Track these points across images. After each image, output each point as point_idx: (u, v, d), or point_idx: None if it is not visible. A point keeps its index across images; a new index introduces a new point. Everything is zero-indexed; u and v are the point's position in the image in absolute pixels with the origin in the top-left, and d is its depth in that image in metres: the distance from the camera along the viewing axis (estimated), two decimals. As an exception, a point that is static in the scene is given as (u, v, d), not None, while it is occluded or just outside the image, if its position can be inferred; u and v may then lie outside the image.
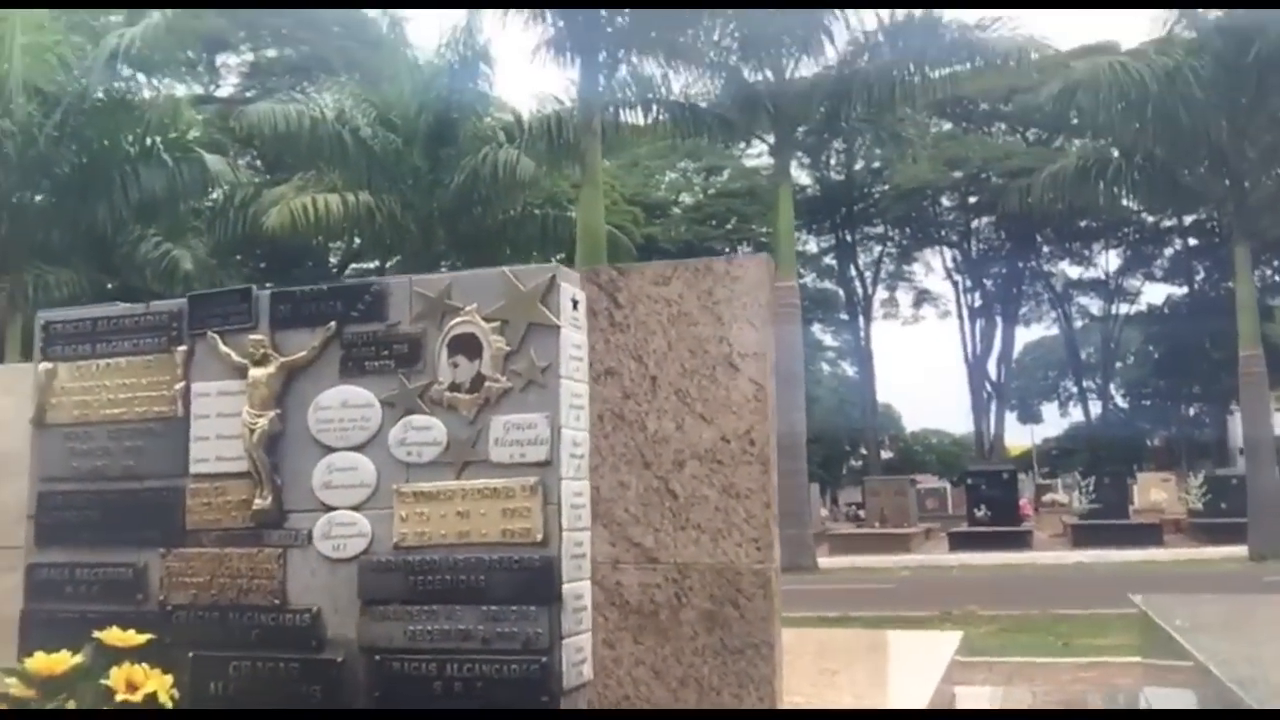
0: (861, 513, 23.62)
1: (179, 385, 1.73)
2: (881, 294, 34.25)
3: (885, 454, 37.97)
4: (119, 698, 1.45)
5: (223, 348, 1.70)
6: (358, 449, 1.61)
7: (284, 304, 1.69)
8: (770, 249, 18.37)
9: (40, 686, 1.46)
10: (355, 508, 1.60)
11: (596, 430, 2.62)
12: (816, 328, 36.01)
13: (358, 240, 22.24)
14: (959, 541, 17.21)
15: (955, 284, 31.57)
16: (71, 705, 1.43)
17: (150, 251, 18.35)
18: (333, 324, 1.65)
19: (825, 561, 16.24)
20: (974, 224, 29.27)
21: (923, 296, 33.72)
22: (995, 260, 30.12)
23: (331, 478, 1.62)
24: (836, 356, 39.48)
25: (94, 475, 1.78)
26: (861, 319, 33.82)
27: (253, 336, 1.68)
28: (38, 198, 17.60)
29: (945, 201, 28.71)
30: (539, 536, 1.50)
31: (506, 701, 1.49)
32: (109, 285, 19.92)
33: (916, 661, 4.93)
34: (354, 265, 29.79)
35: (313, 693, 1.60)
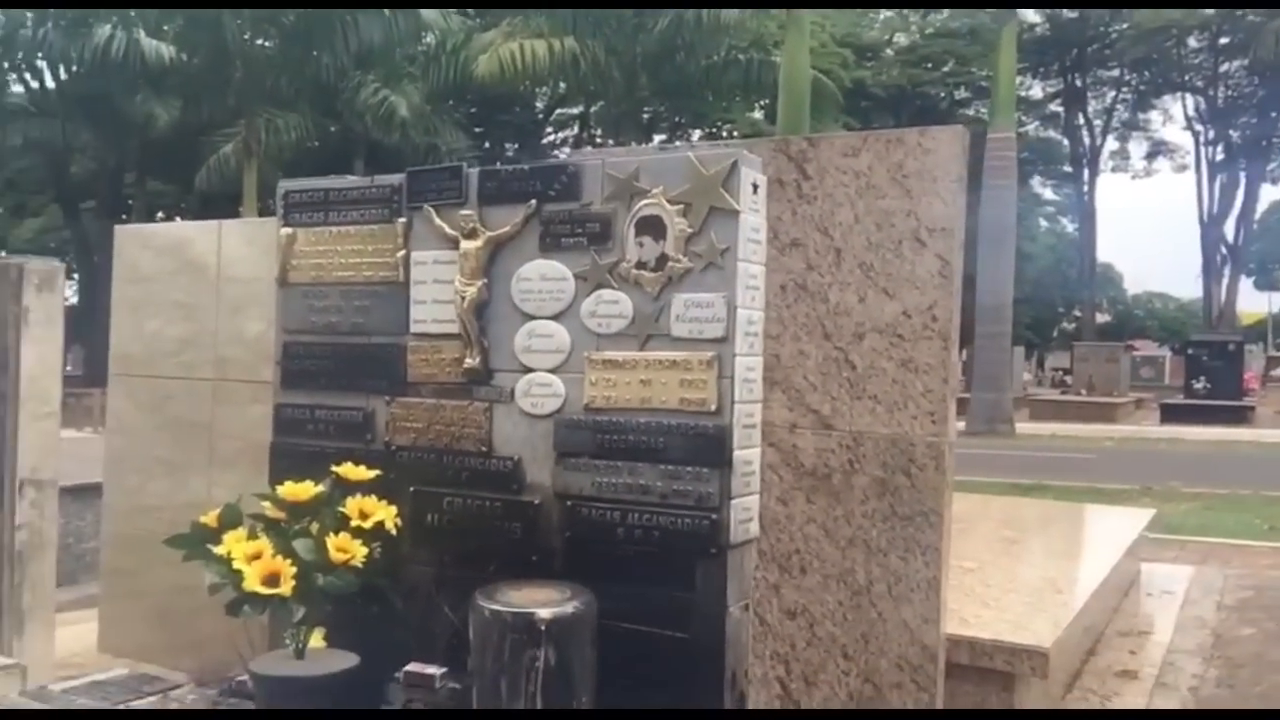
0: (1068, 379, 22.72)
1: (400, 253, 1.93)
2: (1111, 145, 31.75)
3: (1101, 317, 35.93)
4: (353, 524, 1.70)
5: (437, 221, 1.88)
6: (554, 318, 1.77)
7: (490, 182, 1.84)
8: (989, 94, 17.32)
9: (289, 510, 1.73)
10: (551, 370, 1.77)
11: (779, 300, 2.71)
12: (1035, 180, 33.90)
13: (562, 86, 22.41)
14: (1172, 414, 16.35)
15: (1196, 135, 28.85)
16: (314, 528, 1.70)
17: (369, 97, 19.19)
18: (533, 202, 1.78)
19: (1024, 427, 15.85)
20: (1223, 68, 26.41)
21: (1158, 148, 31.06)
22: (1244, 109, 27.18)
23: (531, 343, 1.78)
24: (1056, 212, 37.17)
25: (329, 330, 2.01)
26: (1086, 172, 31.54)
27: (463, 212, 1.84)
28: (267, 44, 18.60)
29: (1192, 42, 25.98)
30: (713, 406, 1.62)
31: (679, 549, 1.65)
32: (332, 129, 21.06)
33: (1101, 534, 4.89)
34: (559, 111, 30.06)
35: (513, 529, 1.82)
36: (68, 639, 3.91)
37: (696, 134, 28.36)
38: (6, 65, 21.78)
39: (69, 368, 23.21)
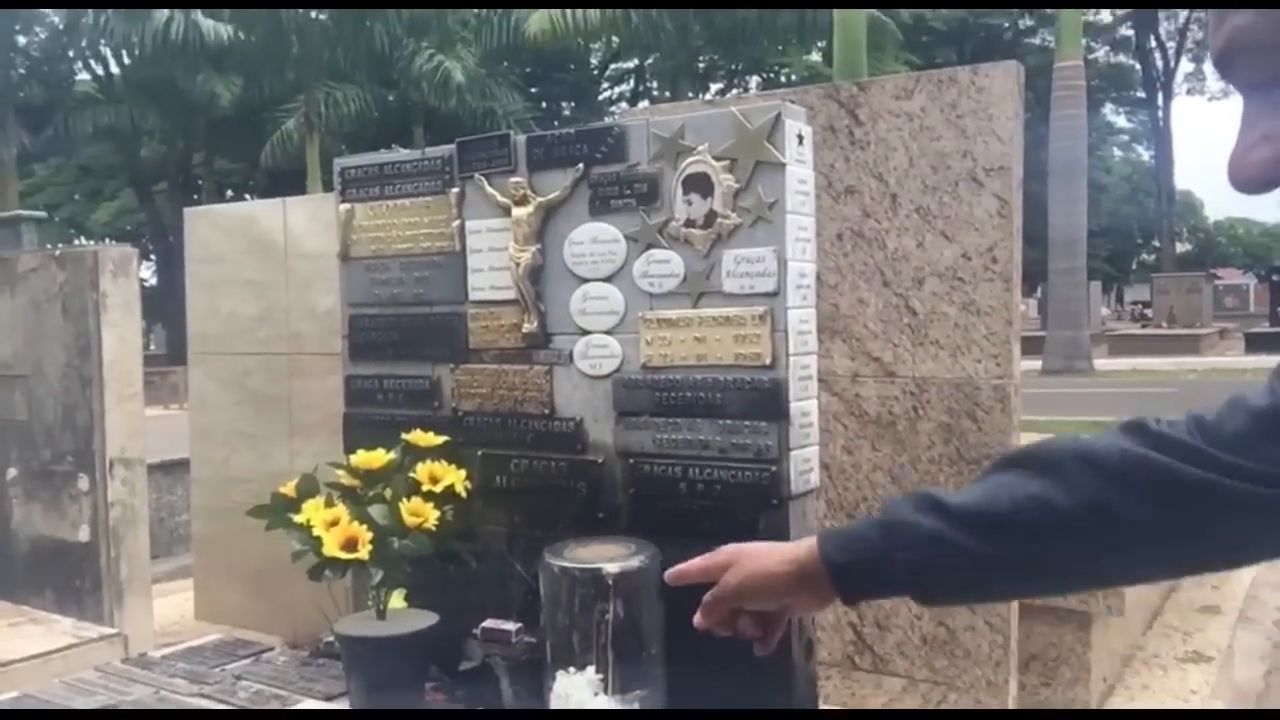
0: (1148, 312, 22.14)
1: (455, 223, 1.96)
2: (1186, 67, 30.58)
3: (1181, 247, 34.87)
4: (424, 489, 1.76)
5: (488, 189, 1.91)
6: (607, 280, 1.79)
7: (538, 148, 1.86)
8: (1055, 21, 16.76)
9: (362, 478, 1.79)
10: (607, 332, 1.79)
11: (836, 249, 2.70)
12: (1107, 109, 32.84)
13: (615, 40, 22.25)
14: (1257, 343, 15.84)
15: (1277, 50, 27.64)
16: (388, 494, 1.76)
17: (424, 64, 19.29)
18: (580, 165, 1.80)
19: (1103, 363, 15.52)
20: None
21: (1235, 68, 29.83)
22: (1329, 19, 25.93)
23: (586, 305, 1.81)
24: (1130, 140, 36.02)
25: (391, 301, 2.06)
26: (1161, 96, 30.45)
27: (513, 179, 1.87)
28: (321, 16, 18.76)
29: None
30: (768, 360, 1.63)
31: (741, 502, 1.67)
32: (390, 98, 21.23)
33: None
34: (613, 66, 29.85)
35: (579, 488, 1.86)
36: (167, 608, 4.10)
37: (754, 81, 27.95)
38: (72, 54, 22.31)
39: (152, 347, 23.97)
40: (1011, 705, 2.70)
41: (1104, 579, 1.05)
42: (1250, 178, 0.64)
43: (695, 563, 1.23)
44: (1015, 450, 0.99)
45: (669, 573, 1.30)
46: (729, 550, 1.19)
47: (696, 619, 1.21)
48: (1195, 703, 3.02)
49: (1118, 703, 3.03)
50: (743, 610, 1.18)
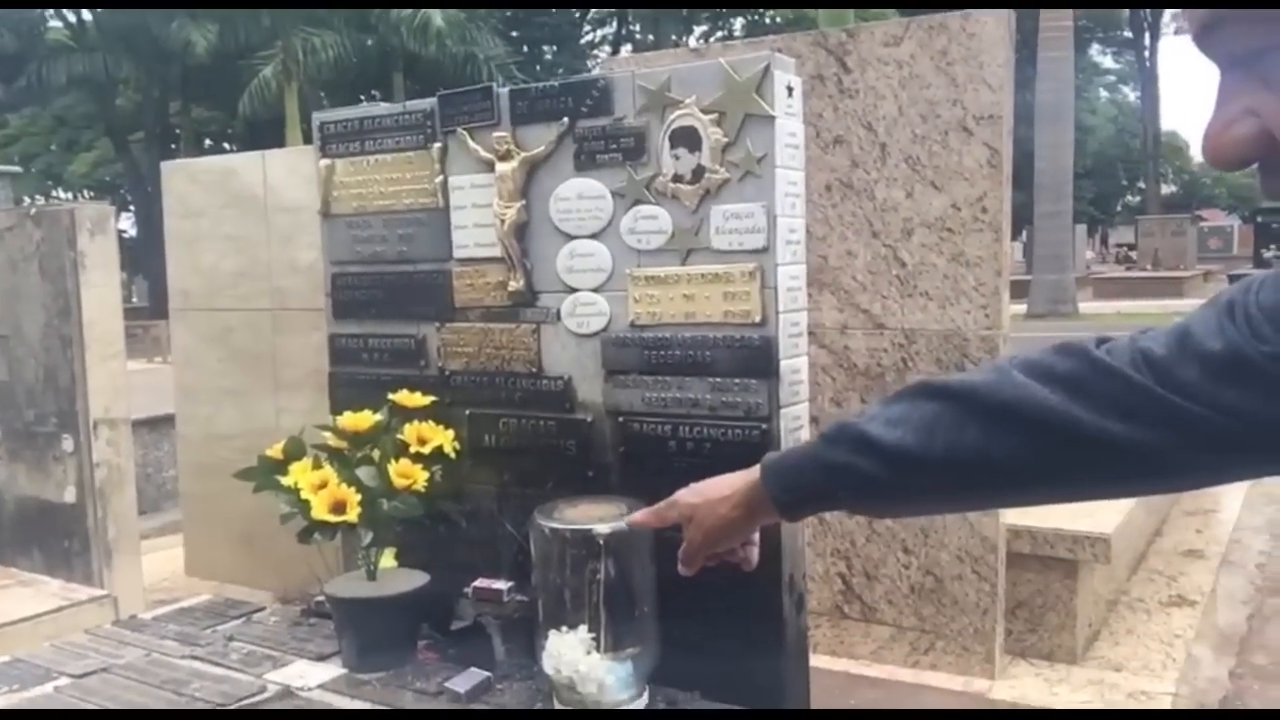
0: (1133, 254, 22.19)
1: (438, 179, 1.93)
2: (1172, 7, 30.33)
3: (1167, 188, 34.87)
4: (413, 449, 1.74)
5: (471, 144, 1.87)
6: (594, 236, 1.76)
7: (521, 101, 1.82)
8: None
9: (350, 439, 1.77)
10: (595, 289, 1.77)
11: (824, 200, 2.67)
12: (1094, 49, 32.62)
13: (598, -16, 21.89)
14: (1241, 284, 15.90)
15: (1264, -11, 27.43)
16: (376, 455, 1.75)
17: (404, 10, 18.91)
18: (565, 119, 1.76)
19: (1087, 306, 15.56)
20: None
21: (1223, 7, 29.65)
22: (1318, -44, 25.69)
23: (573, 262, 1.78)
24: (1117, 81, 35.79)
25: (374, 259, 2.03)
26: (1147, 36, 30.23)
27: (496, 133, 1.83)
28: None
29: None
30: (757, 318, 1.62)
31: (731, 460, 1.66)
32: (369, 43, 20.87)
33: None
34: (596, 9, 29.36)
35: (568, 447, 1.85)
36: (156, 564, 4.11)
37: (738, 23, 27.59)
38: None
39: (134, 299, 23.79)
40: (998, 652, 2.74)
41: (1031, 502, 1.09)
42: (1229, 155, 0.62)
43: (649, 514, 1.38)
44: (937, 380, 0.99)
45: (627, 520, 1.44)
46: (683, 504, 1.32)
47: (680, 569, 1.34)
48: (1179, 645, 3.07)
49: (1102, 647, 3.08)
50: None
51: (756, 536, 1.36)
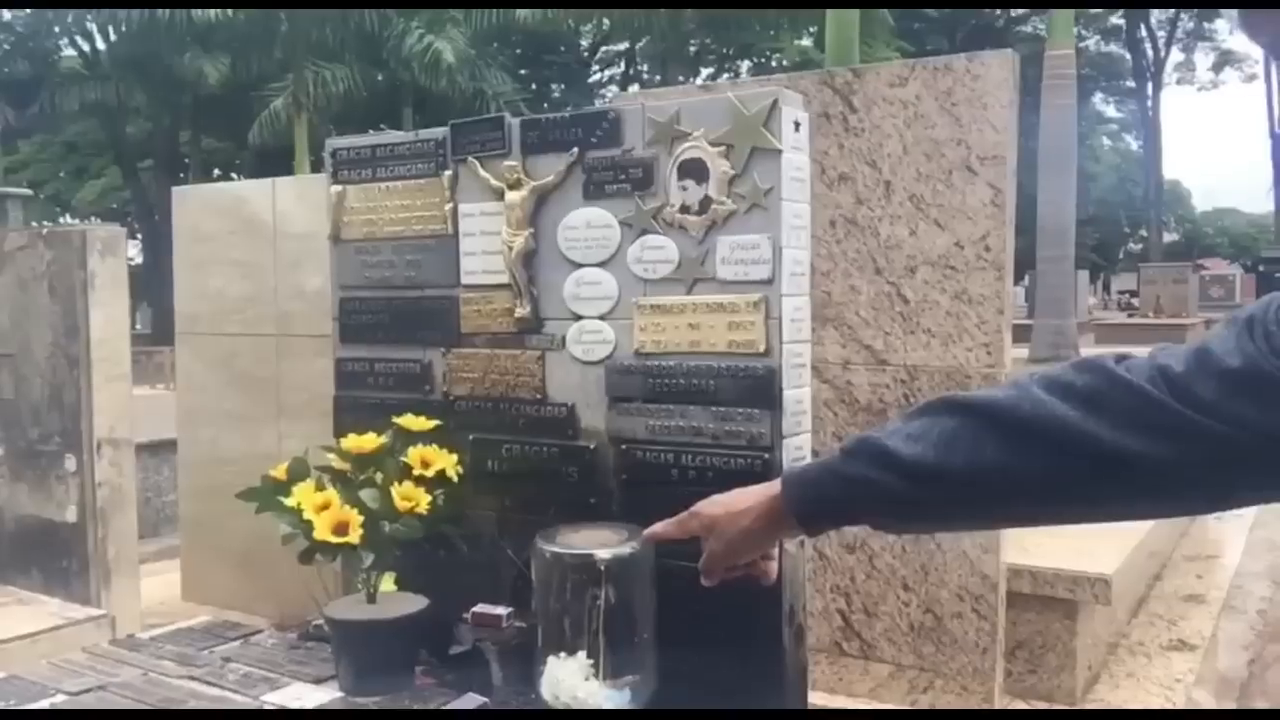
0: (1135, 301, 22.24)
1: (447, 206, 1.95)
2: (1176, 56, 30.64)
3: (1169, 236, 34.98)
4: (415, 473, 1.75)
5: (482, 172, 1.89)
6: (601, 265, 1.78)
7: (532, 131, 1.85)
8: (1047, 10, 16.72)
9: (354, 462, 1.78)
10: (600, 317, 1.79)
11: (829, 236, 2.69)
12: (1097, 98, 32.88)
13: (606, 23, 22.15)
14: (1243, 333, 15.89)
15: (1266, 43, 27.68)
16: (379, 477, 1.76)
17: (414, 44, 19.14)
18: (575, 150, 1.78)
19: (1089, 352, 15.56)
20: (1296, -31, 25.22)
21: (1225, 58, 29.96)
22: (1319, 11, 25.98)
23: (579, 290, 1.80)
24: (1119, 129, 36.07)
25: (383, 284, 2.05)
26: (1150, 86, 30.51)
27: (507, 162, 1.85)
28: (312, -3, 18.59)
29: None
30: (761, 348, 1.63)
31: (733, 489, 1.67)
32: (379, 78, 21.10)
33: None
34: (604, 48, 29.71)
35: (571, 473, 1.85)
36: (154, 588, 4.09)
37: (745, 65, 27.87)
38: (57, 29, 22.08)
39: (138, 326, 23.83)
40: (998, 692, 2.72)
41: (1049, 521, 1.09)
42: None
43: (670, 524, 1.38)
44: (959, 396, 1.00)
45: (646, 532, 1.43)
46: (704, 515, 1.31)
47: (702, 580, 1.34)
48: (1179, 690, 3.05)
49: (1102, 690, 3.06)
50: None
51: (776, 551, 1.36)
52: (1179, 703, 2.97)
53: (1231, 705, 3.01)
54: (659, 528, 1.41)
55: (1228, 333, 0.84)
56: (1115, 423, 0.85)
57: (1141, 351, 0.93)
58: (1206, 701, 3.04)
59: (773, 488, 1.22)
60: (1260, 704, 3.01)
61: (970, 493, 0.97)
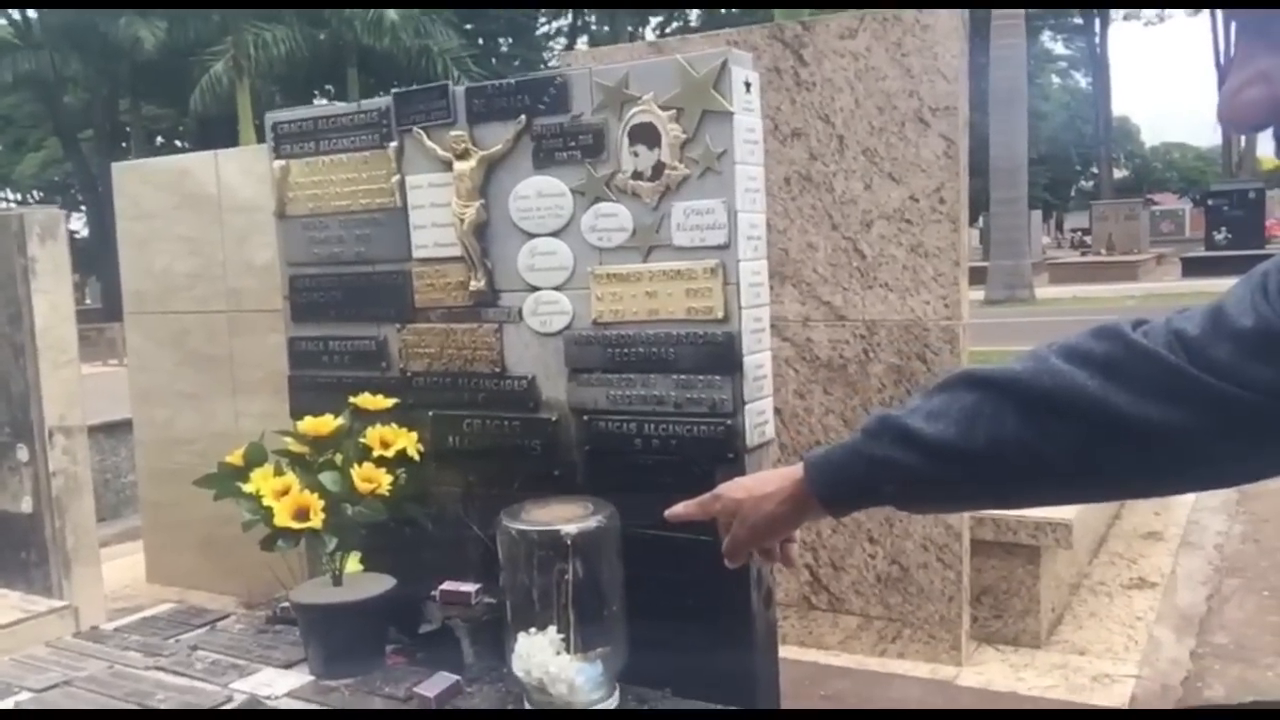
0: (1087, 239, 22.49)
1: (394, 178, 1.91)
2: (1122, -7, 30.70)
3: (1119, 173, 35.33)
4: (375, 454, 1.73)
5: (428, 143, 1.85)
6: (555, 235, 1.75)
7: (478, 99, 1.80)
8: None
9: (312, 444, 1.75)
10: (556, 288, 1.76)
11: (784, 193, 2.68)
12: (1045, 35, 32.98)
13: (554, -24, 21.78)
14: (1194, 267, 16.18)
15: (1211, -25, 27.88)
16: (338, 459, 1.73)
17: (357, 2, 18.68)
18: (523, 117, 1.75)
19: (1044, 292, 15.75)
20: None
21: (1171, -8, 30.05)
22: (1262, -57, 26.13)
23: (534, 261, 1.77)
24: (1068, 67, 36.22)
25: (332, 260, 2.01)
26: (1097, 23, 30.59)
27: (453, 132, 1.81)
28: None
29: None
30: (720, 314, 1.62)
31: (697, 456, 1.67)
32: (321, 37, 20.63)
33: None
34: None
35: (533, 446, 1.84)
36: (118, 571, 4.05)
37: (694, 13, 27.57)
38: (-14, -2, 21.35)
39: (87, 301, 23.37)
40: (964, 638, 2.76)
41: (1075, 498, 1.09)
42: (1241, 118, 0.63)
43: (693, 505, 1.34)
44: (978, 370, 0.98)
45: (668, 512, 1.38)
46: (727, 498, 1.28)
47: (726, 563, 1.32)
48: (1141, 627, 3.12)
49: (1066, 630, 3.12)
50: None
51: (796, 534, 1.33)
52: (1141, 641, 3.04)
53: (1192, 640, 3.09)
54: (680, 508, 1.36)
55: (1242, 290, 0.81)
56: (1134, 391, 0.83)
57: (1095, 289, 0.91)
58: (1167, 638, 3.11)
59: (795, 471, 1.18)
60: (1220, 638, 3.09)
61: (995, 469, 0.94)
